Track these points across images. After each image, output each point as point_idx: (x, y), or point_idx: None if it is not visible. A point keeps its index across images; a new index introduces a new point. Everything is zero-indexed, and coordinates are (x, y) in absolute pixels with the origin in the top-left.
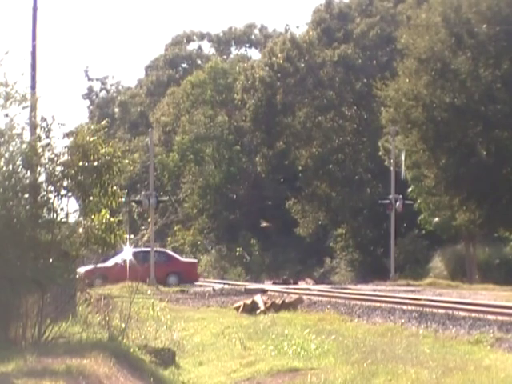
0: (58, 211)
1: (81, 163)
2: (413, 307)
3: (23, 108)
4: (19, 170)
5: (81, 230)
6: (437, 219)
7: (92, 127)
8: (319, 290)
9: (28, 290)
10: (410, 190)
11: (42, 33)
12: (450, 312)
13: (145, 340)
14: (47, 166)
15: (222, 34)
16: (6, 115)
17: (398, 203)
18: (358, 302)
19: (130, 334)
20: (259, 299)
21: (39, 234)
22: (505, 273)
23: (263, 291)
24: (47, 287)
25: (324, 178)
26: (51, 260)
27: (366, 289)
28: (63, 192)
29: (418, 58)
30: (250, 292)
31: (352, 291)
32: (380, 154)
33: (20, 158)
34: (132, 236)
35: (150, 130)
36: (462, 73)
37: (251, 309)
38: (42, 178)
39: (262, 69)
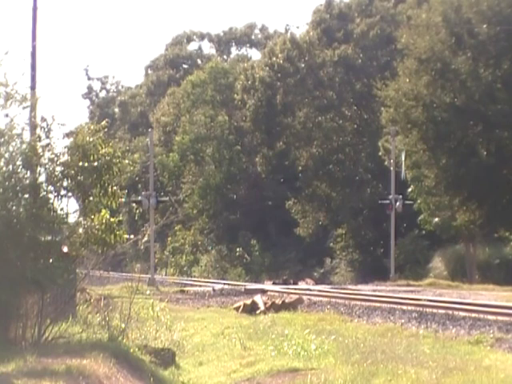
0: (58, 211)
1: (81, 163)
2: (413, 307)
3: (23, 108)
4: (19, 170)
5: (81, 230)
6: (437, 219)
7: (92, 127)
8: (319, 291)
9: (28, 290)
10: (409, 190)
11: (41, 33)
12: (450, 312)
13: (145, 340)
14: (47, 166)
15: (222, 34)
16: (6, 115)
17: (397, 203)
18: (358, 303)
19: (130, 334)
20: (259, 299)
21: (39, 234)
22: (505, 273)
23: (263, 291)
24: (47, 287)
25: (324, 178)
26: (51, 260)
27: (366, 289)
28: (63, 192)
29: (418, 58)
30: (250, 292)
31: (352, 291)
32: (380, 154)
33: (20, 158)
34: (132, 236)
35: (150, 130)
36: (463, 73)
37: (251, 309)
38: (42, 178)
39: (262, 69)
